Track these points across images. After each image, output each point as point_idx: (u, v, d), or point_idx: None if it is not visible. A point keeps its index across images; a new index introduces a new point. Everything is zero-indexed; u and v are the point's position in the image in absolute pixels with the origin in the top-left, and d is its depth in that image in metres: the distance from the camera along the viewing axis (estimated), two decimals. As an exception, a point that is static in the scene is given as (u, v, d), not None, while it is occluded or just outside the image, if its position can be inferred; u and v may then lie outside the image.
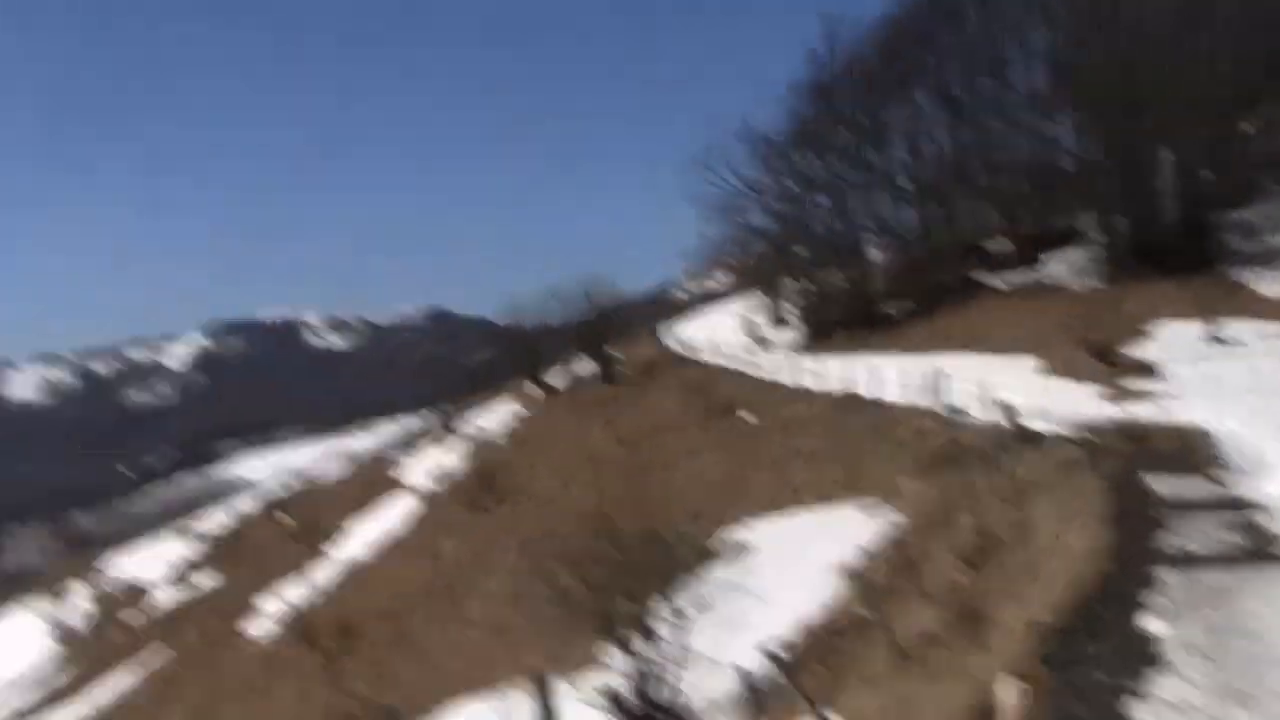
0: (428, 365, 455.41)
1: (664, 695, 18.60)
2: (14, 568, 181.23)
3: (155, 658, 52.76)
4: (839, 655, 18.10)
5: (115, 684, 51.41)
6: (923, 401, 36.21)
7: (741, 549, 25.09)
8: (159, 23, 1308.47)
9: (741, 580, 18.91)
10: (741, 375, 54.95)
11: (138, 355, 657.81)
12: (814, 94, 73.46)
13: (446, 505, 55.07)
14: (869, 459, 31.74)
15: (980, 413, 31.25)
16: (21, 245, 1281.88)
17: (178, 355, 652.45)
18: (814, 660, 18.13)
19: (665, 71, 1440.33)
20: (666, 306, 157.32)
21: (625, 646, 18.85)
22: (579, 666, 22.90)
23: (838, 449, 33.93)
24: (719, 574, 19.44)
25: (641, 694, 18.67)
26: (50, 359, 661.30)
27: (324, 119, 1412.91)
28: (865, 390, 41.07)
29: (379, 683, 32.90)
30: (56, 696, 54.89)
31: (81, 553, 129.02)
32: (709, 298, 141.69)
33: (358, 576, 49.34)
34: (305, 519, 68.75)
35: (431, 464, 68.78)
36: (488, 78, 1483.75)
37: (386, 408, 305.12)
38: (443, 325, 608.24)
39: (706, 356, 63.48)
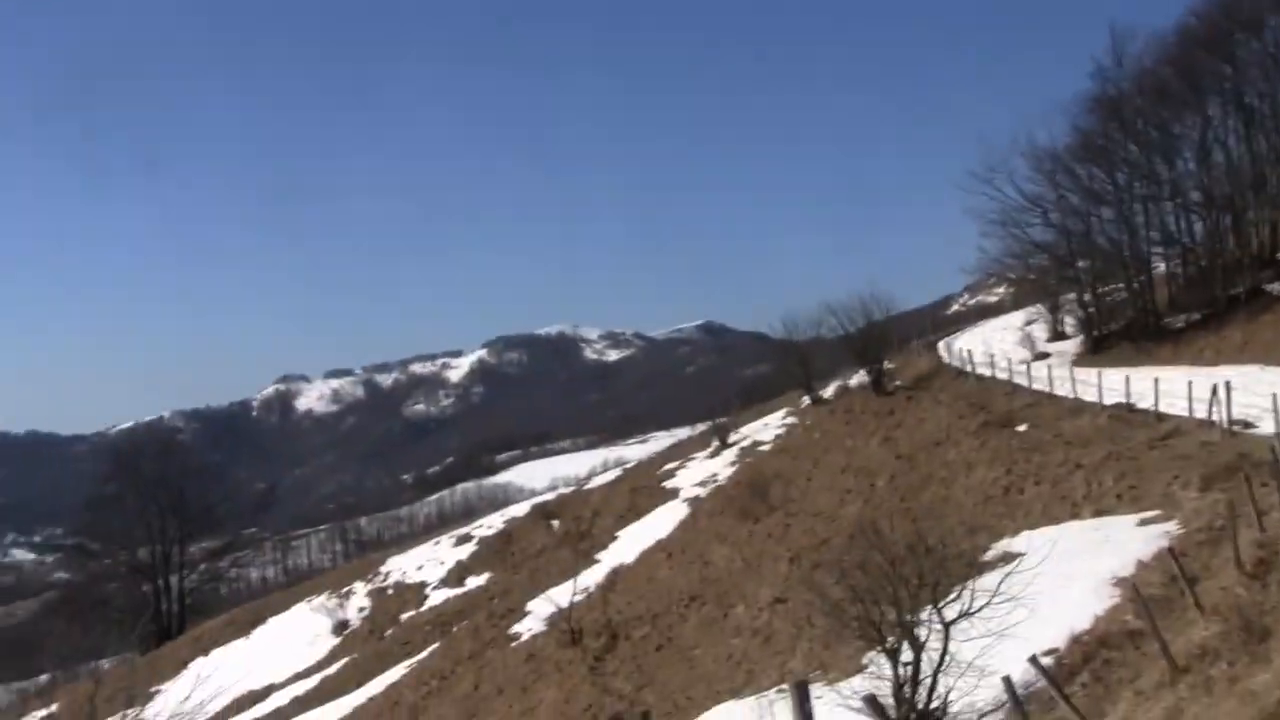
0: (701, 378, 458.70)
1: (928, 702, 18.27)
2: (302, 568, 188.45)
3: (427, 654, 54.05)
4: (1111, 667, 17.53)
5: (389, 678, 52.81)
6: (1207, 414, 34.94)
7: (1014, 559, 24.47)
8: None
9: (1012, 590, 18.37)
10: (1019, 388, 53.85)
11: (421, 370, 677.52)
12: (1100, 106, 71.51)
13: (717, 514, 55.19)
14: (1149, 472, 30.75)
15: (1269, 426, 30.00)
16: (321, 271, 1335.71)
17: (459, 369, 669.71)
18: (1084, 671, 17.59)
19: (945, 84, 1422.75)
20: (943, 319, 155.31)
21: (891, 654, 18.60)
22: (844, 673, 22.66)
23: (1117, 462, 32.96)
24: (989, 584, 18.92)
25: (905, 700, 18.37)
26: (339, 373, 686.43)
27: (612, 146, 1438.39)
28: (1147, 403, 39.86)
29: (642, 684, 33.08)
30: (335, 688, 56.66)
31: (363, 554, 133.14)
32: (987, 310, 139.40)
33: (625, 581, 49.80)
34: (576, 524, 69.71)
35: (703, 473, 69.05)
36: (759, 95, 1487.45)
37: (660, 419, 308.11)
38: (717, 339, 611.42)
39: (983, 369, 62.35)
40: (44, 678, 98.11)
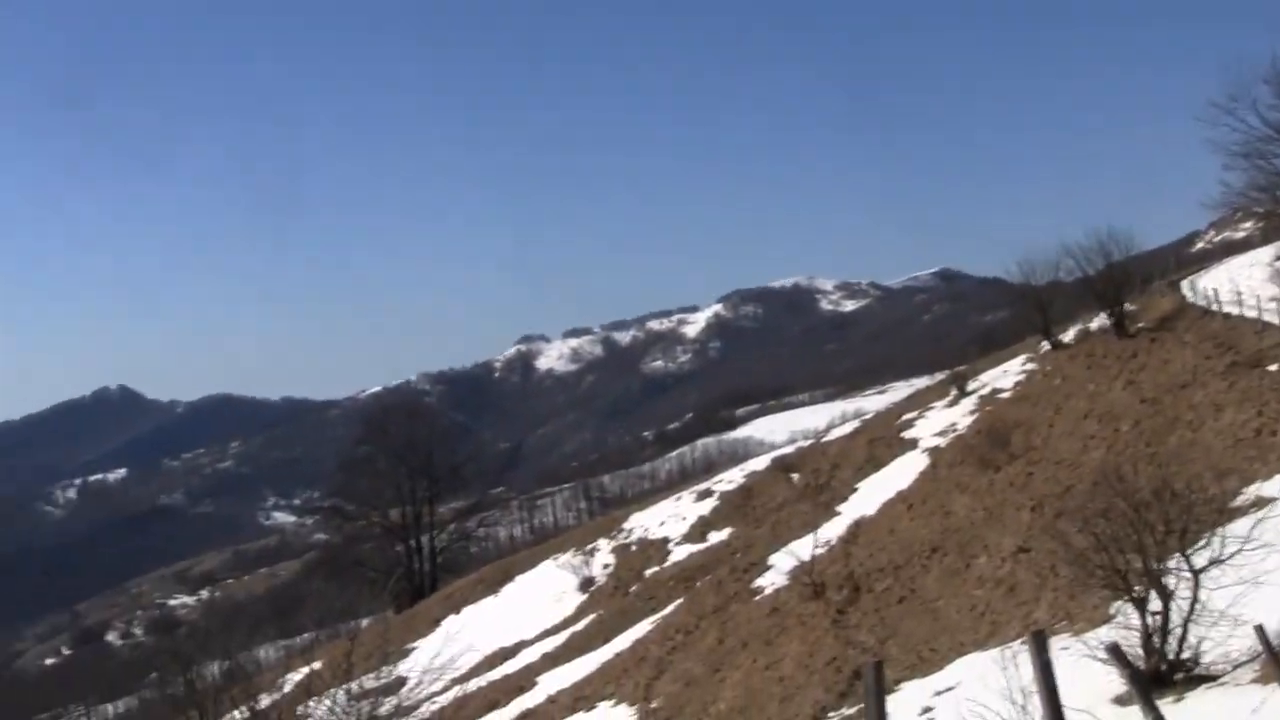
0: (938, 325, 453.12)
1: (1179, 652, 17.94)
2: (548, 526, 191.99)
3: (671, 609, 54.63)
4: (1372, 614, 16.94)
5: (634, 633, 53.51)
6: None
7: (1267, 504, 23.82)
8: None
9: (1265, 536, 17.92)
10: (1269, 326, 52.01)
11: (658, 326, 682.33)
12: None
13: (957, 464, 54.57)
14: None
15: None
16: (557, 232, 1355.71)
17: (696, 325, 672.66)
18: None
19: (1185, 10, 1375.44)
20: (1187, 257, 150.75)
21: (1138, 603, 18.30)
22: (1090, 624, 22.33)
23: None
24: (1241, 529, 18.47)
25: (1155, 650, 18.06)
26: (578, 332, 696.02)
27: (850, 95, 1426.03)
28: None
29: (885, 636, 33.02)
30: (583, 644, 57.63)
31: (606, 511, 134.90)
32: (1233, 247, 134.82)
33: (866, 533, 49.63)
34: (815, 477, 69.60)
35: (942, 423, 68.24)
36: (989, 27, 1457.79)
37: (897, 369, 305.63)
38: (953, 285, 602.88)
39: (1230, 307, 60.35)
40: (306, 635, 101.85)
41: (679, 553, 70.30)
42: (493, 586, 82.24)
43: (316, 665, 27.26)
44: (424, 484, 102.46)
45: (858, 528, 51.53)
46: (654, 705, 40.74)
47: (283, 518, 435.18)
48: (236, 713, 24.99)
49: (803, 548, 46.76)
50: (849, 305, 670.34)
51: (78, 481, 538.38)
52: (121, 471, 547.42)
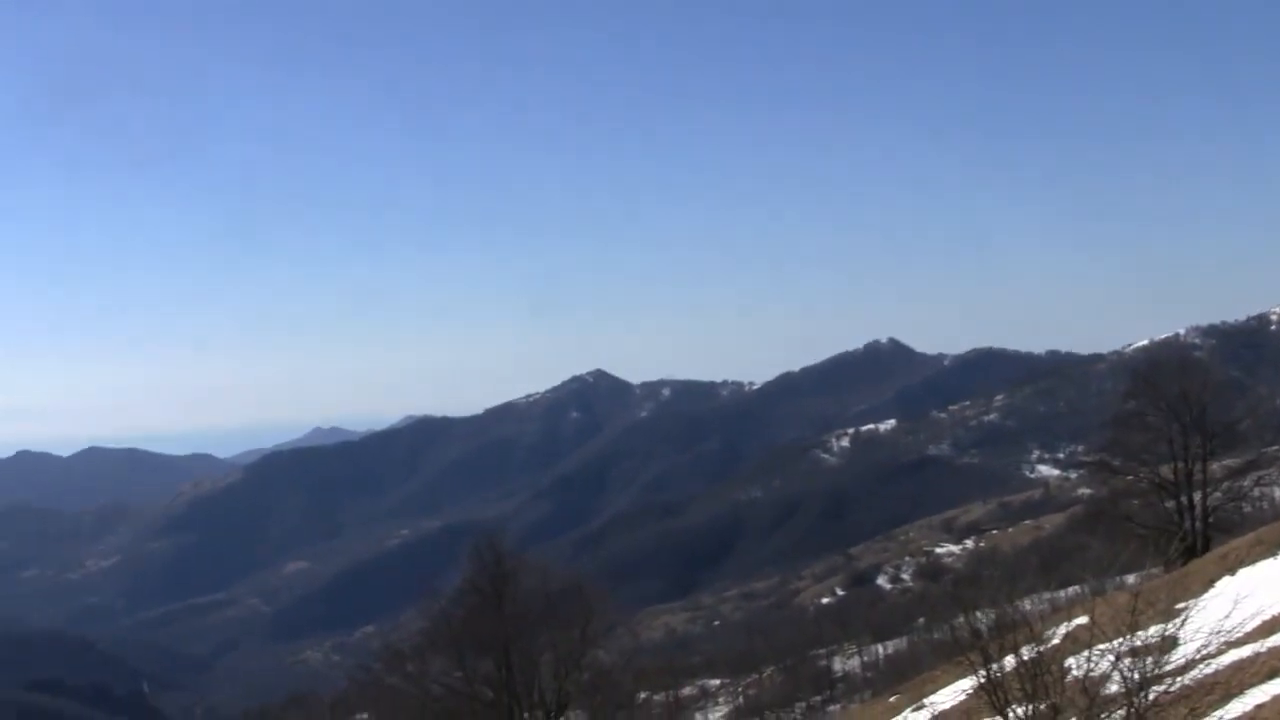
0: None
1: None
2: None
3: None
4: None
5: None
6: None
7: None
8: None
9: None
10: None
11: None
12: None
13: None
14: None
15: None
16: None
17: None
18: None
19: None
20: None
21: None
22: None
23: None
24: None
25: None
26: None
27: None
28: None
29: None
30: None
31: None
32: None
33: None
34: None
35: None
36: None
37: None
38: None
39: None
40: (1072, 589, 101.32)
41: None
42: (1272, 548, 78.47)
43: (1084, 620, 27.05)
44: (1196, 440, 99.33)
45: None
46: None
47: (1046, 470, 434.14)
48: (1010, 659, 25.54)
49: None
50: None
51: (850, 430, 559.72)
52: (891, 422, 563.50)
